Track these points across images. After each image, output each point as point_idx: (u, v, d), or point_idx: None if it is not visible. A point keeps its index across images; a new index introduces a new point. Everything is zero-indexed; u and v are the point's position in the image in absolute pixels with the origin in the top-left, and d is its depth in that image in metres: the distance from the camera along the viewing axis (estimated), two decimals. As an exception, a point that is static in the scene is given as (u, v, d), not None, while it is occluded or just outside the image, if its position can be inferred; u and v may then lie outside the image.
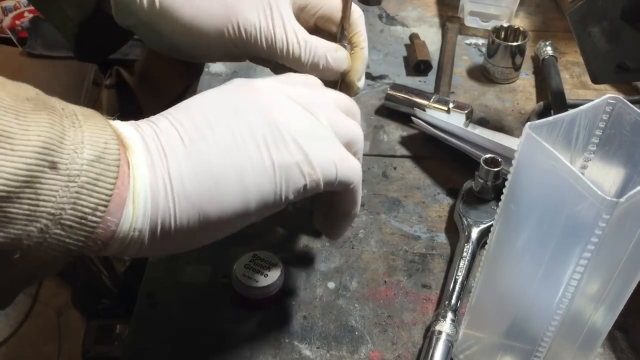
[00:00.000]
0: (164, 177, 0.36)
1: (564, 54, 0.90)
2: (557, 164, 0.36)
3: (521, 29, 0.85)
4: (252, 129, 0.40)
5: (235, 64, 0.86)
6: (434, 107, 0.76)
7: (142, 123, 0.39)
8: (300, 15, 0.55)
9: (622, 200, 0.34)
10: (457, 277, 0.58)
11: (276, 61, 0.55)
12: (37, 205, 0.31)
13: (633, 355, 0.55)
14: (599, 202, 0.34)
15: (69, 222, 0.32)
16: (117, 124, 0.38)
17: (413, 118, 0.76)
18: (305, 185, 0.41)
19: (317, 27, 0.56)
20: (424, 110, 0.76)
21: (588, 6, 0.59)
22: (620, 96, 0.41)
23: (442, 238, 0.65)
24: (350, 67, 0.55)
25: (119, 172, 0.34)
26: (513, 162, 0.40)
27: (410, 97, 0.78)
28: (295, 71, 0.55)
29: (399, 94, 0.79)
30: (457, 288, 0.57)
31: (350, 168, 0.44)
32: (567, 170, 0.36)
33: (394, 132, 0.78)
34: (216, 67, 0.86)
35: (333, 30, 0.56)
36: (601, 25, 0.59)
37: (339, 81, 0.56)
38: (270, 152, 0.40)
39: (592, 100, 0.42)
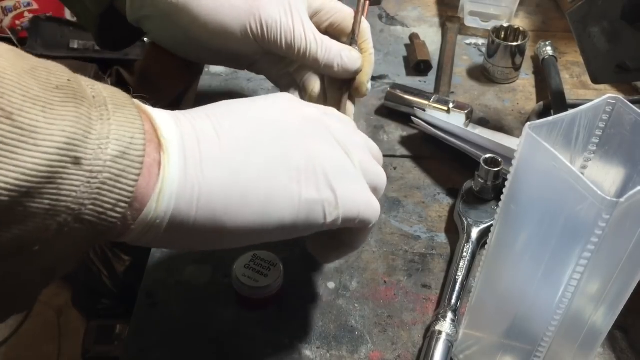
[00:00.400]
0: (193, 187, 0.36)
1: (564, 54, 0.90)
2: (557, 164, 0.36)
3: (521, 29, 0.85)
4: (290, 158, 0.40)
5: (236, 65, 0.86)
6: (434, 107, 0.76)
7: (184, 118, 0.38)
8: (313, 19, 0.57)
9: (622, 200, 0.34)
10: (457, 277, 0.58)
11: (291, 59, 0.56)
12: (58, 201, 0.30)
13: (633, 355, 0.55)
14: (599, 202, 0.34)
15: (88, 218, 0.32)
16: (156, 114, 0.37)
17: (413, 118, 0.76)
18: (324, 223, 0.42)
19: (327, 34, 0.58)
20: (424, 110, 0.76)
21: (588, 6, 0.59)
22: (620, 96, 0.41)
23: (442, 238, 0.65)
24: (362, 68, 0.57)
25: (145, 170, 0.34)
26: (513, 162, 0.40)
27: (410, 97, 0.78)
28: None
29: (399, 94, 0.79)
30: (457, 288, 0.57)
31: (373, 211, 0.45)
32: (567, 170, 0.36)
33: (394, 132, 0.78)
34: (216, 68, 0.86)
35: (342, 40, 0.59)
36: (601, 25, 0.59)
37: (350, 82, 0.58)
38: (301, 186, 0.40)
39: (592, 100, 0.42)
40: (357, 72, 0.57)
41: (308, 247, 0.52)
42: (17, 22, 1.61)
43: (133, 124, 0.33)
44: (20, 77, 0.30)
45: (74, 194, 0.31)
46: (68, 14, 1.68)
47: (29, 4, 1.68)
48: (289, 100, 0.44)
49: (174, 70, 1.31)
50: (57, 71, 0.32)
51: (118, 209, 0.33)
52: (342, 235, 0.48)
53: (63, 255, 0.33)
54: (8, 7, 1.67)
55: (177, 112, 0.39)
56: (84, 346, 1.36)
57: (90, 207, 0.32)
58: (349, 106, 0.60)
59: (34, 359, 1.50)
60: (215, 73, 0.85)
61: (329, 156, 0.42)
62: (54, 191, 0.30)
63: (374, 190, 0.46)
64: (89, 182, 0.31)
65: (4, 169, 0.28)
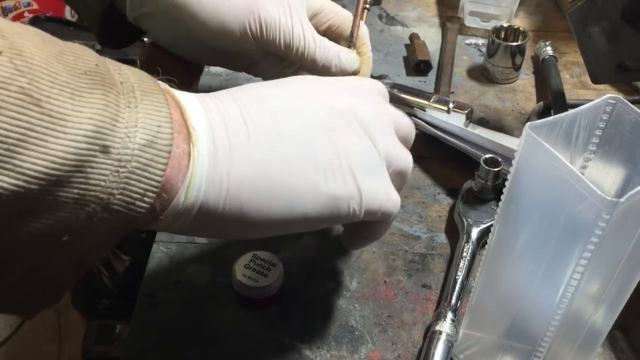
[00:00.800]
0: (222, 178, 0.36)
1: (564, 54, 0.90)
2: (557, 164, 0.36)
3: (521, 29, 0.85)
4: (316, 152, 0.40)
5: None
6: (434, 107, 0.76)
7: (212, 103, 0.38)
8: (312, 21, 0.58)
9: (622, 200, 0.34)
10: (457, 277, 0.58)
11: (290, 60, 0.56)
12: (87, 190, 0.30)
13: (633, 355, 0.55)
14: (599, 202, 0.34)
15: (117, 208, 0.31)
16: (184, 100, 0.36)
17: (413, 118, 0.76)
18: (348, 217, 0.42)
19: (326, 36, 0.58)
20: (424, 110, 0.76)
21: (588, 6, 0.59)
22: (620, 96, 0.41)
23: (442, 238, 0.65)
24: (359, 71, 0.58)
25: (174, 162, 0.33)
26: (513, 162, 0.40)
27: (410, 97, 0.78)
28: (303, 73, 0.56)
29: (399, 94, 0.79)
30: (457, 288, 0.57)
31: (393, 204, 0.45)
32: (567, 170, 0.36)
33: (394, 132, 0.78)
34: (216, 68, 0.86)
35: (340, 43, 0.59)
36: (601, 25, 0.59)
37: None
38: (327, 180, 0.40)
39: (592, 100, 0.42)
40: (354, 74, 0.57)
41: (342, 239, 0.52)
42: (17, 22, 1.60)
43: (160, 112, 0.33)
44: (48, 63, 0.29)
45: (102, 183, 0.30)
46: (68, 14, 1.68)
47: (29, 4, 1.68)
48: (316, 85, 0.44)
49: (174, 70, 1.31)
50: (85, 55, 0.32)
51: (146, 199, 0.32)
52: (364, 226, 0.48)
53: (92, 246, 0.33)
54: (8, 7, 1.67)
55: (204, 96, 0.38)
56: (84, 346, 1.36)
57: (119, 196, 0.31)
58: None
59: (34, 359, 1.50)
60: (215, 73, 0.85)
61: (355, 150, 0.42)
62: (83, 180, 0.30)
63: (400, 175, 0.46)
64: (117, 171, 0.31)
65: (33, 157, 0.28)
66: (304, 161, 0.39)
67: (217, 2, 0.53)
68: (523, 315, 0.46)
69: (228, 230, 0.39)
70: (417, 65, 0.87)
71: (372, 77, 0.86)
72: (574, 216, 0.37)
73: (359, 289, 0.60)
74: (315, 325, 0.57)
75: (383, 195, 0.43)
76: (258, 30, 0.53)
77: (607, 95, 0.41)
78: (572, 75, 0.87)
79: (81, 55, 0.32)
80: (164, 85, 0.36)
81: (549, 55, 0.86)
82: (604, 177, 0.45)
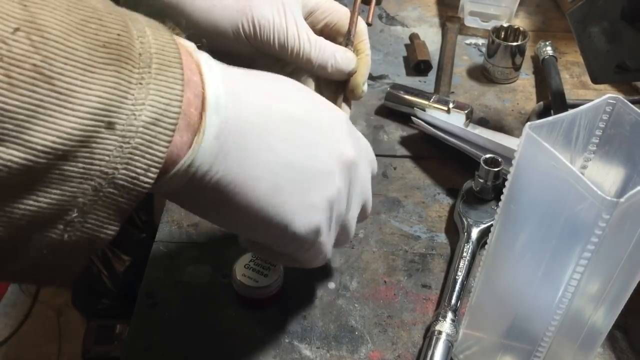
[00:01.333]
0: (217, 171, 0.36)
1: (564, 54, 0.90)
2: (557, 164, 0.36)
3: (521, 29, 0.85)
4: (310, 192, 0.41)
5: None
6: (434, 107, 0.76)
7: (237, 97, 0.38)
8: (308, 19, 0.57)
9: (622, 200, 0.34)
10: (457, 277, 0.58)
11: (285, 60, 0.55)
12: (92, 164, 0.31)
13: (633, 355, 0.55)
14: (599, 202, 0.34)
15: (121, 182, 0.32)
16: (209, 81, 0.36)
17: (413, 118, 0.76)
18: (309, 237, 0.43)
19: (323, 34, 0.57)
20: (424, 110, 0.76)
21: (588, 6, 0.59)
22: (620, 96, 0.41)
23: (442, 238, 0.65)
24: (357, 70, 0.57)
25: (177, 139, 0.34)
26: (513, 162, 0.40)
27: (410, 97, 0.78)
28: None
29: (399, 94, 0.79)
30: (457, 288, 0.57)
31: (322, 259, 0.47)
32: (567, 170, 0.36)
33: (394, 132, 0.78)
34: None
35: (338, 40, 0.58)
36: (601, 25, 0.59)
37: (345, 84, 0.58)
38: (309, 215, 0.41)
39: (592, 100, 0.42)
40: (351, 74, 0.57)
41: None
42: None
43: (172, 89, 0.33)
44: (67, 37, 0.30)
45: (107, 157, 0.31)
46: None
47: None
48: (331, 124, 0.44)
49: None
50: (109, 22, 0.32)
51: (150, 174, 0.33)
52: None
53: (100, 224, 0.34)
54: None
55: (234, 79, 0.38)
56: (84, 346, 1.37)
57: (123, 171, 0.32)
58: (344, 108, 0.60)
59: (34, 359, 1.50)
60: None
61: (341, 202, 0.44)
62: (88, 154, 0.30)
63: (362, 209, 0.48)
64: (121, 147, 0.31)
65: (41, 132, 0.28)
66: (296, 191, 0.40)
67: (209, 4, 0.53)
68: (523, 315, 0.46)
69: (209, 208, 0.40)
70: (417, 65, 0.87)
71: (373, 77, 0.86)
72: (574, 216, 0.37)
73: (359, 289, 0.60)
74: (315, 325, 0.57)
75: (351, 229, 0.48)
76: (251, 31, 0.53)
77: (607, 95, 0.41)
78: (572, 75, 0.87)
79: (106, 22, 0.32)
80: (188, 47, 0.37)
81: (549, 55, 0.86)
82: (604, 177, 0.45)
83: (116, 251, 1.37)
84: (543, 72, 0.85)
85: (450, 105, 0.75)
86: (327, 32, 0.59)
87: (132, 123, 0.31)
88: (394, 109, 0.79)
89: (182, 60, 0.35)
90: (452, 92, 0.84)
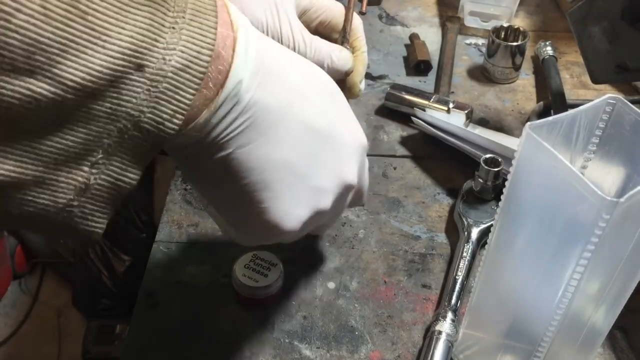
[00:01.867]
0: (243, 110, 0.36)
1: (564, 54, 0.90)
2: (557, 164, 0.36)
3: (521, 29, 0.85)
4: (317, 175, 0.41)
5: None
6: (434, 107, 0.76)
7: (252, 41, 0.37)
8: (302, 18, 0.56)
9: (622, 200, 0.34)
10: (457, 277, 0.58)
11: None
12: (119, 105, 0.31)
13: (633, 355, 0.55)
14: (599, 202, 0.34)
15: (147, 126, 0.32)
16: (240, 24, 0.36)
17: (413, 118, 0.76)
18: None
19: (317, 32, 0.57)
20: (424, 110, 0.76)
21: (588, 6, 0.59)
22: (620, 96, 0.41)
23: (442, 238, 0.65)
24: (353, 69, 0.56)
25: (205, 88, 0.34)
26: (513, 162, 0.40)
27: (410, 97, 0.78)
28: None
29: (399, 94, 0.79)
30: (457, 288, 0.57)
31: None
32: (567, 170, 0.36)
33: (394, 132, 0.78)
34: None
35: (333, 37, 0.57)
36: (601, 25, 0.59)
37: (342, 83, 0.57)
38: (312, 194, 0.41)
39: (592, 100, 0.42)
40: (348, 73, 0.56)
41: None
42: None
43: (205, 36, 0.33)
44: None
45: (134, 100, 0.31)
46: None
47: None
48: (347, 147, 0.44)
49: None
50: None
51: (175, 120, 0.33)
52: None
53: (124, 168, 0.34)
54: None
55: (266, 64, 0.37)
56: (84, 346, 1.37)
57: (149, 115, 0.32)
58: None
59: (34, 359, 1.50)
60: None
61: (323, 218, 0.44)
62: (116, 95, 0.31)
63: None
64: (149, 90, 0.32)
65: (71, 68, 0.29)
66: (300, 176, 0.40)
67: None
68: (523, 315, 0.46)
69: (209, 174, 0.39)
70: (417, 65, 0.87)
71: (373, 77, 0.86)
72: (574, 216, 0.37)
73: (359, 289, 0.60)
74: (315, 325, 0.57)
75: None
76: None
77: (607, 95, 0.41)
78: (572, 75, 0.87)
79: None
80: (230, 13, 0.36)
81: (549, 55, 0.86)
82: (604, 177, 0.45)
83: (116, 251, 1.37)
84: (543, 72, 0.85)
85: (450, 105, 0.75)
86: (322, 30, 0.58)
87: (161, 67, 0.32)
88: (394, 109, 0.79)
89: (217, 8, 0.34)
90: (452, 92, 0.84)
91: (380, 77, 0.86)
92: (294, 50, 0.53)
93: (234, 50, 0.35)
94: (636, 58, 0.60)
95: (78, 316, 1.49)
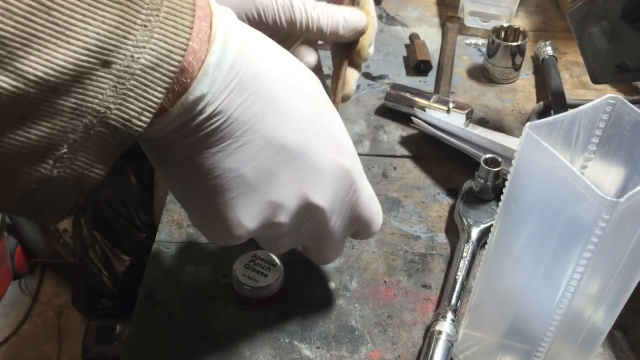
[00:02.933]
0: (214, 108, 0.36)
1: (564, 54, 0.90)
2: (557, 164, 0.36)
3: (521, 29, 0.85)
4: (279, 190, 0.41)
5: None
6: (434, 107, 0.76)
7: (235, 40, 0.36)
8: None
9: (622, 200, 0.34)
10: (457, 277, 0.58)
11: (295, 35, 0.55)
12: (84, 101, 0.31)
13: (633, 355, 0.55)
14: (599, 202, 0.34)
15: (113, 123, 0.32)
16: (219, 21, 0.35)
17: (413, 118, 0.76)
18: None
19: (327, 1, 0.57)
20: (424, 110, 0.76)
21: (588, 6, 0.59)
22: (620, 96, 0.41)
23: (442, 238, 0.65)
24: (367, 28, 0.56)
25: (176, 85, 0.34)
26: (513, 162, 0.40)
27: (410, 97, 0.78)
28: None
29: (399, 94, 0.79)
30: (457, 288, 0.57)
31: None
32: (567, 170, 0.36)
33: (394, 132, 0.78)
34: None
35: (343, 4, 0.57)
36: (601, 25, 0.59)
37: (351, 46, 0.57)
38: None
39: (592, 100, 0.42)
40: (363, 31, 0.56)
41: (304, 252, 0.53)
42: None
43: (178, 35, 0.33)
44: None
45: (100, 96, 0.31)
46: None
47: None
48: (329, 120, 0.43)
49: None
50: None
51: (143, 118, 0.33)
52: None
53: (90, 163, 0.34)
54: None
55: (249, 62, 0.37)
56: (84, 346, 1.37)
57: (116, 111, 0.32)
58: (353, 73, 0.59)
59: (33, 359, 1.50)
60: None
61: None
62: (81, 90, 0.31)
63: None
64: (115, 87, 0.31)
65: (33, 62, 0.29)
66: (270, 184, 0.40)
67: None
68: (523, 315, 0.46)
69: (180, 170, 0.39)
70: (417, 65, 0.87)
71: (372, 77, 0.86)
72: (574, 216, 0.37)
73: (359, 289, 0.60)
74: (315, 325, 0.57)
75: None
76: (256, 17, 0.52)
77: (607, 95, 0.41)
78: (572, 75, 0.87)
79: None
80: (210, 10, 0.35)
81: (549, 55, 0.86)
82: (604, 177, 0.45)
83: (116, 251, 1.37)
84: (543, 72, 0.85)
85: (450, 105, 0.75)
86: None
87: (129, 65, 0.31)
88: (394, 109, 0.79)
89: (195, 9, 0.34)
90: (452, 92, 0.84)
91: (380, 77, 0.86)
92: (308, 20, 0.53)
93: (203, 63, 0.34)
94: (636, 58, 0.60)
95: (78, 316, 1.49)
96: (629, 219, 0.36)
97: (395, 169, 0.73)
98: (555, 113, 0.74)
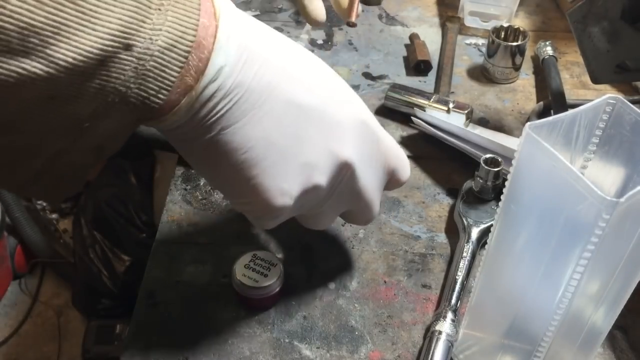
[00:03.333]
0: (230, 86, 0.38)
1: (564, 54, 0.90)
2: (557, 164, 0.36)
3: (521, 29, 0.85)
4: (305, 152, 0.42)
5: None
6: (434, 107, 0.76)
7: (250, 56, 0.39)
8: None
9: (622, 200, 0.34)
10: (457, 277, 0.58)
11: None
12: (108, 82, 0.33)
13: (633, 355, 0.55)
14: (599, 202, 0.34)
15: (133, 100, 0.35)
16: (222, 7, 0.37)
17: (413, 118, 0.76)
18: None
19: None
20: (424, 110, 0.76)
21: (588, 6, 0.59)
22: (620, 96, 0.41)
23: (442, 238, 0.65)
24: None
25: (187, 75, 0.36)
26: (513, 162, 0.40)
27: (410, 97, 0.78)
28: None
29: (399, 94, 0.79)
30: (457, 288, 0.57)
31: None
32: (567, 170, 0.36)
33: (394, 132, 0.78)
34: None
35: None
36: (601, 25, 0.59)
37: None
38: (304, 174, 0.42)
39: (592, 100, 0.42)
40: None
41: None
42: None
43: (189, 18, 0.35)
44: None
45: (122, 77, 0.33)
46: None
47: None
48: (338, 121, 0.44)
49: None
50: None
51: (160, 96, 0.35)
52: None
53: (110, 134, 0.37)
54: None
55: (249, 45, 0.39)
56: (84, 346, 1.36)
57: (136, 90, 0.34)
58: None
59: (33, 359, 1.50)
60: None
61: (318, 196, 0.45)
62: (105, 73, 0.33)
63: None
64: (136, 68, 0.34)
65: (63, 49, 0.31)
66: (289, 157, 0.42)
67: None
68: (523, 315, 0.46)
69: (200, 154, 0.41)
70: (417, 65, 0.87)
71: (372, 77, 0.86)
72: (574, 216, 0.37)
73: (359, 289, 0.60)
74: (315, 325, 0.57)
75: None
76: None
77: (607, 95, 0.41)
78: (572, 75, 0.87)
79: None
80: None
81: (549, 55, 0.86)
82: (604, 177, 0.45)
83: (116, 251, 1.37)
84: (543, 72, 0.85)
85: (450, 105, 0.75)
86: None
87: (148, 47, 0.33)
88: (394, 109, 0.79)
89: None
90: (452, 92, 0.84)
91: (380, 77, 0.86)
92: None
93: (215, 38, 0.36)
94: (636, 58, 0.60)
95: (78, 316, 1.49)
96: (629, 219, 0.36)
97: (395, 169, 0.73)
98: (555, 113, 0.74)
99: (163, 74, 0.35)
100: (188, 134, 0.39)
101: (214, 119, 0.38)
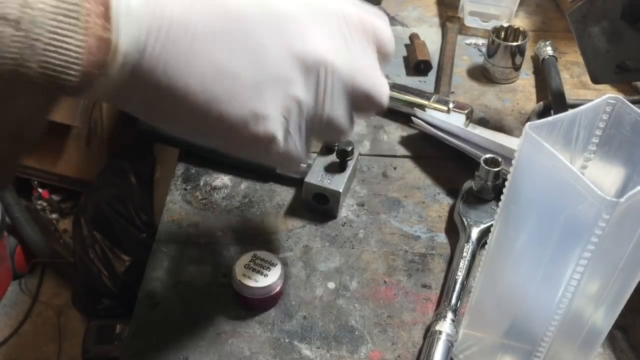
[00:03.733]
0: (153, 63, 0.34)
1: (564, 54, 0.90)
2: (557, 164, 0.36)
3: (521, 29, 0.85)
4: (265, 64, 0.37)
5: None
6: (434, 107, 0.76)
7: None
8: None
9: (622, 200, 0.34)
10: (457, 277, 0.58)
11: None
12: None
13: (633, 355, 0.55)
14: (599, 202, 0.34)
15: (39, 80, 0.31)
16: None
17: (413, 118, 0.76)
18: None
19: None
20: (424, 110, 0.76)
21: (588, 6, 0.59)
22: (620, 96, 0.41)
23: (442, 238, 0.65)
24: None
25: (92, 19, 0.31)
26: (513, 162, 0.40)
27: (411, 97, 0.78)
28: None
29: (399, 94, 0.79)
30: (457, 288, 0.57)
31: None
32: (567, 170, 0.36)
33: (394, 132, 0.78)
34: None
35: None
36: (601, 25, 0.59)
37: None
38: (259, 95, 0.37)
39: (592, 100, 0.42)
40: None
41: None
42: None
43: None
44: None
45: (7, 54, 0.29)
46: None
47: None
48: (292, 15, 0.38)
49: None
50: None
51: (75, 67, 0.31)
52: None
53: (26, 120, 0.33)
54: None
55: None
56: (84, 346, 1.36)
57: (37, 69, 0.30)
58: None
59: (34, 359, 1.50)
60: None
61: (303, 107, 0.39)
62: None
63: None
64: (22, 42, 0.29)
65: None
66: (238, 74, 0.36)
67: None
68: (523, 315, 0.46)
69: (152, 103, 0.37)
70: (417, 65, 0.87)
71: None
72: (574, 216, 0.37)
73: (359, 289, 0.60)
74: (315, 325, 0.57)
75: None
76: None
77: (607, 95, 0.41)
78: (572, 75, 0.87)
79: None
80: None
81: (549, 55, 0.86)
82: (604, 177, 0.45)
83: (116, 251, 1.37)
84: (543, 72, 0.85)
85: (450, 105, 0.75)
86: None
87: (27, 13, 0.29)
88: (394, 109, 0.79)
89: None
90: (452, 92, 0.84)
91: (380, 77, 0.86)
92: None
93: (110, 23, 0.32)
94: (636, 58, 0.60)
95: (78, 316, 1.49)
96: (629, 219, 0.36)
97: (395, 169, 0.73)
98: (555, 113, 0.74)
99: (64, 45, 0.30)
100: (132, 97, 0.35)
101: (149, 65, 0.33)
